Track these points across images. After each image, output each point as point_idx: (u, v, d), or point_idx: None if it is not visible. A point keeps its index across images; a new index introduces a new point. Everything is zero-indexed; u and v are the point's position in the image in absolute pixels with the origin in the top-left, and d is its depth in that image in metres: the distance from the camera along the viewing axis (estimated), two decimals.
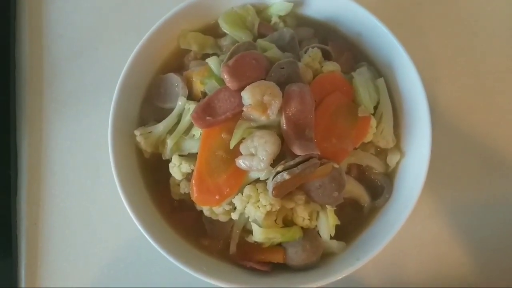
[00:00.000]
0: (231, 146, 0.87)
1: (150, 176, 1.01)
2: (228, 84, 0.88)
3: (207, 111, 0.88)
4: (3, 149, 1.15)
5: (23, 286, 1.11)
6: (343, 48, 1.05)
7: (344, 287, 1.01)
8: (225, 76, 0.88)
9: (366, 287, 1.09)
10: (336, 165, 0.90)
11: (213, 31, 1.07)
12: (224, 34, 1.05)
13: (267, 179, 0.88)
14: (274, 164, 0.87)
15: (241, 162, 0.87)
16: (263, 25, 1.05)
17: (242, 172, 0.89)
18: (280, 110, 0.87)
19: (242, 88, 0.87)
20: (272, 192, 0.86)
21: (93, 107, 1.18)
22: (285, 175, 0.84)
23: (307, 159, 0.85)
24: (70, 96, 1.20)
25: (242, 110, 0.87)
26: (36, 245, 1.12)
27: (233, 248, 0.95)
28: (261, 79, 0.89)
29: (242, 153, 0.87)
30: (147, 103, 1.03)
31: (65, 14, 1.24)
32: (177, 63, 1.06)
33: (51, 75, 1.21)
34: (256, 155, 0.85)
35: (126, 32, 1.22)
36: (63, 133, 1.18)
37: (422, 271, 1.11)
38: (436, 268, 1.11)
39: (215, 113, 0.88)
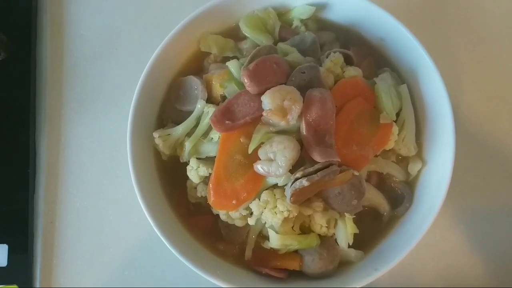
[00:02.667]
0: (250, 151, 0.86)
1: (168, 178, 1.01)
2: (248, 88, 0.87)
3: (226, 115, 0.87)
4: (22, 147, 1.16)
5: (38, 283, 1.11)
6: (365, 53, 1.03)
7: None
8: (245, 80, 0.87)
9: None
10: (356, 173, 0.88)
11: (233, 34, 1.06)
12: (245, 37, 1.04)
13: (285, 185, 0.87)
14: (292, 170, 0.86)
15: (259, 167, 0.86)
16: (284, 28, 1.04)
17: (260, 177, 0.88)
18: (300, 115, 0.86)
19: (262, 93, 0.86)
20: (290, 198, 0.84)
21: (112, 107, 1.19)
22: (304, 182, 0.82)
23: (326, 166, 0.84)
24: (89, 96, 1.20)
25: (262, 115, 0.86)
26: (52, 244, 1.13)
27: (248, 253, 0.94)
28: (281, 84, 0.88)
29: (261, 158, 0.86)
30: (166, 105, 1.02)
31: (86, 14, 1.25)
32: (197, 65, 1.05)
33: (71, 75, 1.21)
34: (274, 161, 0.84)
35: (147, 33, 1.22)
36: (81, 132, 1.18)
37: (440, 283, 1.08)
38: (454, 280, 1.08)
39: (235, 117, 0.87)
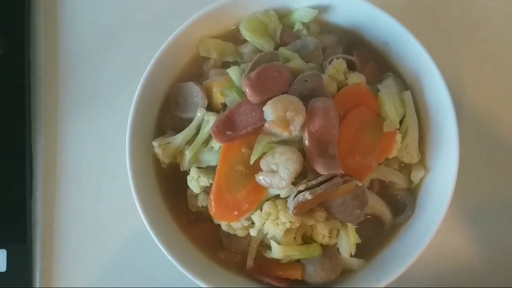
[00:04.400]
0: (251, 162, 0.85)
1: (167, 186, 0.99)
2: (249, 98, 0.85)
3: (227, 125, 0.85)
4: (18, 150, 1.14)
5: (38, 287, 1.11)
6: (368, 57, 1.01)
7: None
8: (247, 90, 0.85)
9: None
10: (359, 183, 0.87)
11: (233, 37, 1.03)
12: (245, 41, 1.02)
13: (288, 196, 0.86)
14: (295, 181, 0.84)
15: (261, 179, 0.84)
16: (285, 32, 1.01)
17: (262, 188, 0.87)
18: (303, 126, 0.84)
19: (264, 102, 0.84)
20: (293, 211, 0.83)
21: (109, 109, 1.16)
22: (307, 195, 0.81)
23: (330, 178, 0.83)
24: (85, 96, 1.17)
25: (264, 125, 0.84)
26: (51, 247, 1.12)
27: (250, 262, 0.94)
28: (283, 92, 0.86)
29: (263, 169, 0.85)
30: (166, 111, 1.00)
31: (81, 12, 1.21)
32: (196, 70, 1.03)
33: (67, 75, 1.18)
34: (277, 173, 0.83)
35: (143, 31, 1.19)
36: (78, 134, 1.16)
37: (440, 284, 1.08)
38: (455, 282, 1.08)
39: (236, 128, 0.85)
